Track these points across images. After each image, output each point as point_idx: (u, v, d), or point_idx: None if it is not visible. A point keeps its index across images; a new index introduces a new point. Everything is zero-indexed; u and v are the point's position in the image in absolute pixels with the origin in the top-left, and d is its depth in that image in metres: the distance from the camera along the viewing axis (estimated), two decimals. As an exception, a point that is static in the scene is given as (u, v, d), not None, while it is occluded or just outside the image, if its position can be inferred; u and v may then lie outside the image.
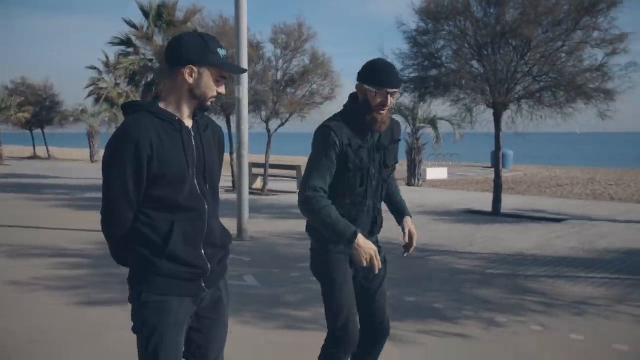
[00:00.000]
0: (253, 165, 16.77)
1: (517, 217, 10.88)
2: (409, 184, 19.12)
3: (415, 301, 5.41)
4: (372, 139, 2.69)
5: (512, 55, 10.56)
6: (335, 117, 2.70)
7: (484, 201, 13.41)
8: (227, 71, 2.14)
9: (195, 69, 2.04)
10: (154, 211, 2.02)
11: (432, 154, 25.24)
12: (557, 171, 26.36)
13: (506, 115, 11.18)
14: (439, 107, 11.42)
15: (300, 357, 4.06)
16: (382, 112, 2.59)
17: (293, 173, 15.75)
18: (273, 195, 14.61)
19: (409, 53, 11.42)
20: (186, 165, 2.03)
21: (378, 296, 2.85)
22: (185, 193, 2.03)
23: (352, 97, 2.72)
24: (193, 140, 2.09)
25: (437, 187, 18.43)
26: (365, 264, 2.52)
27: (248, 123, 8.79)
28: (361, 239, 2.51)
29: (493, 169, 28.00)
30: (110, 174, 2.01)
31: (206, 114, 2.22)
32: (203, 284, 2.10)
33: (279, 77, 14.57)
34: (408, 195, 15.19)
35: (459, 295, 5.62)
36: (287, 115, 14.87)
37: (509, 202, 12.29)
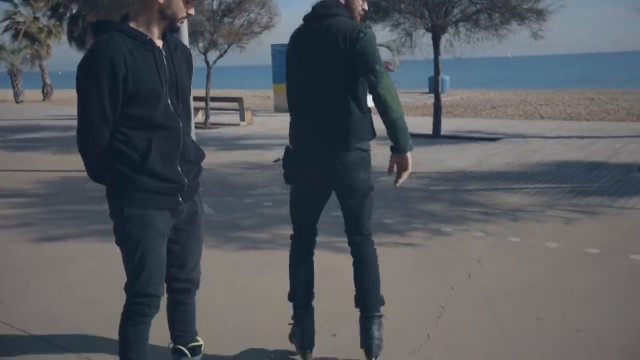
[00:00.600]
0: (194, 98, 16.44)
1: (455, 138, 11.33)
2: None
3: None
4: None
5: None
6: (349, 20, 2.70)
7: (424, 125, 13.79)
8: None
9: None
10: (131, 129, 2.08)
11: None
12: (491, 94, 27.14)
13: (444, 39, 11.39)
14: (379, 32, 11.47)
15: (262, 273, 4.26)
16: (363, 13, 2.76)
17: (235, 105, 15.60)
18: (216, 128, 14.48)
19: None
20: (160, 84, 2.09)
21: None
22: (160, 111, 2.10)
23: (337, 5, 2.71)
24: (165, 60, 2.13)
25: (376, 114, 18.70)
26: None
27: None
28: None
29: (431, 94, 28.33)
30: (86, 92, 2.05)
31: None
32: (180, 198, 2.21)
33: (215, 7, 14.12)
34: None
35: (406, 210, 5.95)
36: (226, 46, 14.55)
37: (448, 125, 12.71)
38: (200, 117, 15.76)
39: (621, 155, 8.75)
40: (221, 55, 14.71)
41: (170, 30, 2.17)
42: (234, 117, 15.78)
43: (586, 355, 2.94)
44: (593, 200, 6.11)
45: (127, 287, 2.20)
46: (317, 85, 2.67)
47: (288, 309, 3.49)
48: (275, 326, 3.39)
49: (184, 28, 8.04)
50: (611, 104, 19.74)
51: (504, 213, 5.70)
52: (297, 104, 2.79)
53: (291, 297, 3.04)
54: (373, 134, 2.84)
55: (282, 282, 4.12)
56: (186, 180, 2.20)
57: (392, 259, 4.48)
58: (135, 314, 2.18)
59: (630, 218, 5.42)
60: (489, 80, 37.04)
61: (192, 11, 2.16)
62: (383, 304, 2.96)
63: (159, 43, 2.15)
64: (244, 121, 14.93)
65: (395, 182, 2.74)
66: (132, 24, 2.11)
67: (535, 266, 4.25)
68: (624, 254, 4.42)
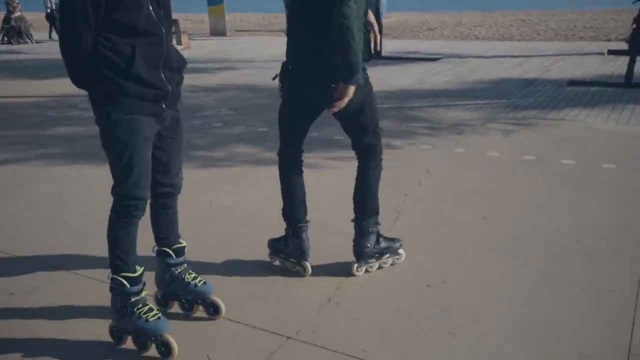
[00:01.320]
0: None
1: (396, 59, 11.48)
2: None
3: (318, 135, 5.82)
4: None
5: None
6: None
7: (364, 46, 13.86)
8: None
9: None
10: (115, 35, 2.08)
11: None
12: (427, 16, 27.25)
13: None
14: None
15: (220, 188, 4.39)
16: None
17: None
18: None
19: None
20: None
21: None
22: (143, 18, 2.10)
23: None
24: None
25: (317, 37, 18.52)
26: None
27: None
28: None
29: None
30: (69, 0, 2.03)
31: None
32: (164, 105, 2.26)
33: None
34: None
35: (355, 127, 6.13)
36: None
37: (387, 46, 12.80)
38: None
39: (552, 72, 9.21)
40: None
41: None
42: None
43: (529, 247, 3.29)
44: (528, 113, 6.50)
45: (115, 191, 2.27)
46: (311, 5, 2.62)
47: (252, 219, 3.67)
48: (241, 235, 3.57)
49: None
50: (541, 25, 20.35)
51: (447, 127, 5.99)
52: (293, 25, 2.77)
53: (286, 213, 3.13)
54: (369, 55, 2.82)
55: (243, 196, 4.29)
56: (170, 87, 2.25)
57: (347, 172, 4.66)
58: (123, 216, 2.27)
59: (561, 128, 5.84)
60: (423, 3, 37.00)
61: None
62: (377, 214, 3.10)
63: None
64: (181, 44, 14.45)
65: (330, 108, 2.74)
66: None
67: (479, 173, 4.58)
68: (557, 160, 4.82)
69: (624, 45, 11.71)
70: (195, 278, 2.59)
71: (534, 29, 18.30)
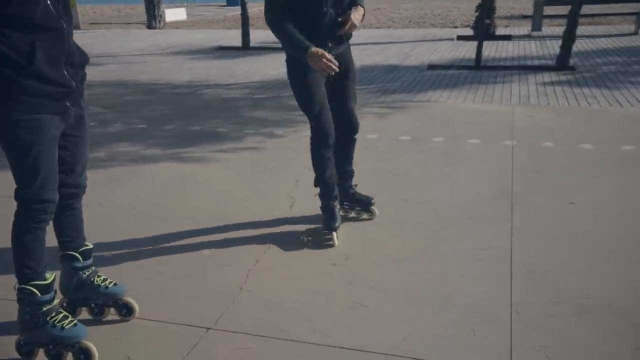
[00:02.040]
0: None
1: (265, 49, 11.58)
2: (149, 26, 18.25)
3: (200, 129, 5.81)
4: None
5: None
6: None
7: (231, 37, 13.79)
8: None
9: None
10: (11, 31, 1.95)
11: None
12: (288, 5, 27.67)
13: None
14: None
15: (107, 188, 4.23)
16: None
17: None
18: None
19: None
20: None
21: (350, 93, 3.32)
22: (40, 12, 1.99)
23: None
24: None
25: (180, 28, 18.05)
26: (324, 69, 2.91)
27: None
28: (313, 51, 2.88)
29: (229, 7, 27.74)
30: None
31: None
32: (68, 103, 2.17)
33: None
34: (155, 37, 14.84)
35: (237, 119, 6.18)
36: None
37: (255, 37, 12.85)
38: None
39: (412, 58, 9.87)
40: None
41: None
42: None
43: (418, 218, 3.60)
44: (397, 97, 6.96)
45: (20, 195, 2.14)
46: None
47: (148, 216, 3.61)
48: (140, 233, 3.50)
49: None
50: (395, 13, 21.56)
51: (326, 114, 6.23)
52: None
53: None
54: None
55: (133, 195, 4.19)
56: (74, 84, 2.16)
57: (236, 164, 4.76)
58: (31, 221, 2.15)
59: (428, 109, 6.34)
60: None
61: None
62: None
63: None
64: None
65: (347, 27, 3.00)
66: None
67: (362, 154, 4.79)
68: (428, 138, 5.25)
69: (469, 31, 12.87)
70: (104, 280, 2.53)
71: (389, 17, 19.35)
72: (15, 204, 2.20)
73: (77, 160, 2.33)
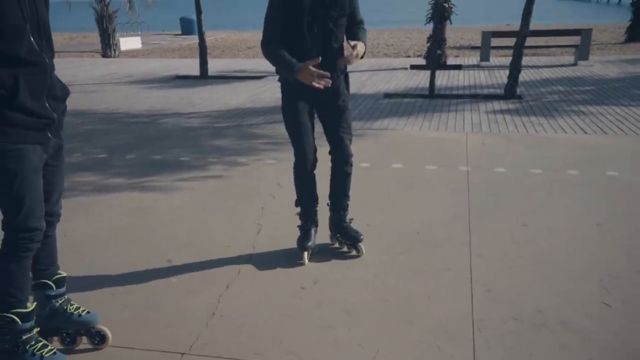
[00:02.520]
0: None
1: (223, 78, 11.71)
2: (104, 55, 18.12)
3: (162, 158, 5.83)
4: None
5: None
6: None
7: (188, 66, 13.86)
8: None
9: None
10: None
11: (127, 22, 23.97)
12: (244, 35, 27.91)
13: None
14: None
15: (72, 218, 4.21)
16: None
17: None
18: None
19: None
20: (22, 19, 2.04)
21: (340, 123, 3.40)
22: (25, 48, 2.05)
23: None
24: None
25: (135, 57, 17.98)
26: (315, 84, 2.99)
27: None
28: (301, 72, 3.02)
29: (185, 36, 27.72)
30: None
31: None
32: (49, 134, 2.22)
33: None
34: (109, 67, 14.76)
35: (199, 147, 6.23)
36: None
37: (212, 66, 12.97)
38: None
39: (368, 87, 10.18)
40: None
41: None
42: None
43: (380, 242, 3.73)
44: (356, 124, 7.16)
45: (7, 225, 2.16)
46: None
47: (113, 245, 3.62)
48: (105, 263, 3.50)
49: None
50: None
51: (287, 142, 6.27)
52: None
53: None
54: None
55: (97, 224, 4.18)
56: (55, 115, 2.22)
57: (200, 192, 4.81)
58: (18, 250, 2.17)
59: (386, 136, 6.56)
60: (235, 22, 37.75)
61: None
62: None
63: None
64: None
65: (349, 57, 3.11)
66: None
67: (323, 181, 4.90)
68: (388, 165, 5.44)
69: (422, 61, 13.35)
70: (77, 308, 2.54)
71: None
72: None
73: (53, 188, 2.37)
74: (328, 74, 3.05)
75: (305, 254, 3.46)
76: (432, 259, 3.47)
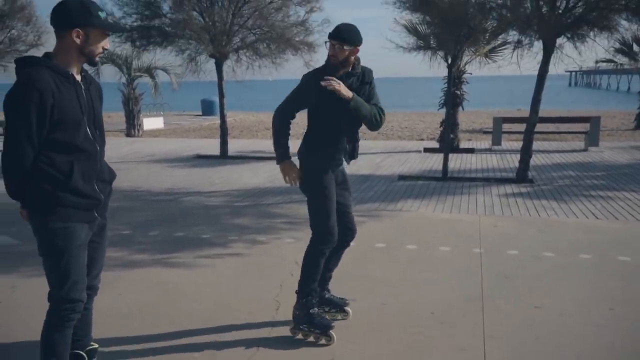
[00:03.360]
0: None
1: (242, 158, 12.12)
2: (128, 134, 18.86)
3: (184, 235, 6.04)
4: (350, 81, 3.45)
5: (229, 7, 11.45)
6: (316, 68, 3.52)
7: (208, 146, 14.36)
8: (110, 31, 2.44)
9: (81, 31, 2.32)
10: (55, 153, 2.28)
11: (150, 103, 25.06)
12: (262, 116, 28.90)
13: (226, 65, 12.14)
14: (165, 57, 11.76)
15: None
16: (331, 56, 3.41)
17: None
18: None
19: (127, 0, 11.36)
20: (80, 113, 2.33)
21: (350, 209, 3.77)
22: (81, 137, 2.33)
23: None
24: (84, 93, 2.38)
25: (157, 137, 18.68)
26: (285, 181, 3.46)
27: None
28: (283, 165, 3.51)
29: (205, 117, 28.75)
30: (15, 120, 2.22)
31: None
32: (96, 213, 2.45)
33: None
34: (133, 145, 15.32)
35: (219, 226, 6.44)
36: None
37: (230, 146, 13.44)
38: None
39: (383, 168, 10.48)
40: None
41: (90, 64, 2.43)
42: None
43: (396, 322, 3.83)
44: (371, 205, 7.38)
45: (52, 296, 2.35)
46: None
47: (138, 319, 3.75)
48: (134, 336, 3.62)
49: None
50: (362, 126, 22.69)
51: (305, 221, 6.49)
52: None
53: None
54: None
55: (123, 299, 4.32)
56: (102, 197, 2.46)
57: (221, 269, 4.97)
58: (61, 320, 2.34)
59: (402, 218, 6.75)
60: (253, 103, 39.12)
61: (107, 45, 2.44)
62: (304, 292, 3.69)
63: (78, 77, 2.39)
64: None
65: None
66: (55, 61, 2.33)
67: (342, 261, 5.12)
68: (403, 246, 5.59)
69: (435, 144, 13.74)
70: (107, 380, 2.67)
71: (359, 129, 20.41)
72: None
73: (94, 264, 2.58)
74: (296, 179, 3.55)
75: (333, 333, 3.55)
76: (447, 338, 3.55)
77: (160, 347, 3.47)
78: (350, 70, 3.48)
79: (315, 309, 3.65)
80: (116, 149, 14.40)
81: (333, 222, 3.54)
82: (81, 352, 2.61)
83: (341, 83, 3.38)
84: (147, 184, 9.20)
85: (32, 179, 2.29)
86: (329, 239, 3.56)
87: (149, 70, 18.68)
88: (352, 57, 3.46)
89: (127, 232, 6.17)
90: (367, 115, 3.51)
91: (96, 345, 2.68)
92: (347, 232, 3.74)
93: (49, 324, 2.38)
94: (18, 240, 5.87)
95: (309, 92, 3.45)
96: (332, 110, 3.43)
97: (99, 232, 2.57)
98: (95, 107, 2.47)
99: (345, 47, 3.38)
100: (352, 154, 3.69)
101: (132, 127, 18.87)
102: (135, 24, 11.33)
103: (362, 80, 3.58)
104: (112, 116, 27.24)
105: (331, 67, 3.44)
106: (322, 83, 3.33)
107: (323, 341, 3.54)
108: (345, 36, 3.39)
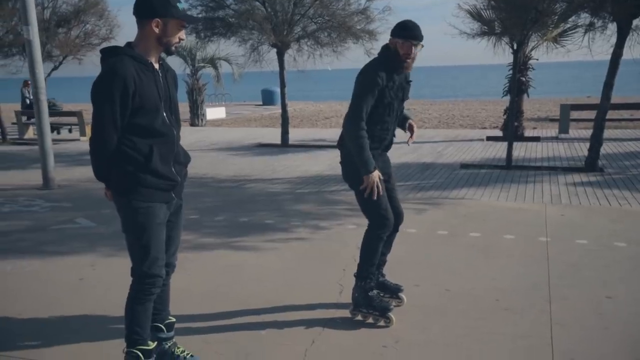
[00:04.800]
0: (23, 112, 15.37)
1: (303, 147, 12.25)
2: (192, 124, 19.42)
3: (248, 220, 6.21)
4: (398, 79, 3.46)
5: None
6: (374, 63, 3.44)
7: (269, 135, 14.61)
8: (187, 22, 2.58)
9: (160, 21, 2.45)
10: (136, 136, 2.44)
11: (213, 94, 25.70)
12: (321, 106, 29.08)
13: (287, 55, 12.27)
14: (228, 47, 12.05)
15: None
16: (408, 59, 3.38)
17: (74, 120, 14.90)
18: (56, 144, 13.71)
19: (194, -8, 11.67)
20: (159, 99, 2.47)
21: (396, 193, 3.81)
22: (159, 121, 2.48)
23: (384, 47, 3.48)
24: (161, 80, 2.52)
25: (220, 126, 19.14)
26: (370, 189, 3.38)
27: (32, 67, 8.01)
28: (372, 174, 3.39)
29: (265, 106, 29.20)
30: (102, 105, 2.39)
31: None
32: (173, 194, 2.59)
33: (47, 16, 13.45)
34: (197, 134, 15.77)
35: (282, 211, 6.58)
36: (61, 58, 13.93)
37: (291, 134, 13.60)
38: (31, 133, 14.80)
39: (445, 157, 10.35)
40: (56, 68, 14.07)
41: (166, 54, 2.57)
42: (74, 133, 15.07)
43: (458, 307, 3.82)
44: (433, 193, 7.32)
45: (134, 271, 2.53)
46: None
47: (210, 298, 3.88)
48: (205, 313, 3.79)
49: (35, 37, 7.82)
50: (424, 114, 22.47)
51: (366, 208, 6.59)
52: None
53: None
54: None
55: (192, 279, 4.46)
56: (179, 178, 2.60)
57: (285, 253, 5.09)
58: (142, 294, 2.51)
59: (464, 206, 6.67)
60: (311, 93, 39.27)
61: (183, 36, 2.57)
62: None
63: (156, 65, 2.54)
64: (85, 136, 14.36)
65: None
66: (136, 49, 2.48)
67: (403, 247, 5.11)
68: (465, 233, 5.54)
69: (498, 132, 13.42)
70: (183, 351, 2.82)
71: (419, 117, 20.19)
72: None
73: (171, 242, 2.72)
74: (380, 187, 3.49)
75: (392, 315, 3.60)
76: (512, 325, 3.52)
77: (227, 324, 3.61)
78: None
79: (374, 292, 3.70)
80: (181, 138, 14.86)
81: (386, 206, 3.57)
82: (160, 325, 2.77)
83: (376, 181, 3.42)
84: (212, 171, 9.48)
85: (116, 161, 2.45)
86: (385, 223, 3.59)
87: (212, 61, 19.15)
88: None
89: (194, 216, 6.41)
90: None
91: (173, 319, 2.84)
92: (397, 218, 3.76)
93: (132, 297, 2.55)
94: (95, 222, 6.20)
95: (376, 89, 3.41)
96: (388, 106, 3.46)
97: (175, 212, 2.71)
98: (172, 93, 2.60)
99: (421, 44, 3.42)
100: (389, 146, 3.73)
101: (195, 116, 19.42)
102: (200, 15, 11.63)
103: (407, 79, 3.62)
104: (185, 105, 28.05)
105: (404, 68, 3.45)
106: (364, 191, 3.42)
107: (382, 323, 3.60)
108: (421, 34, 3.42)
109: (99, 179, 2.54)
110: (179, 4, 2.50)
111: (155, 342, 2.61)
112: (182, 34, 2.56)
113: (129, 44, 2.53)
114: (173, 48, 2.56)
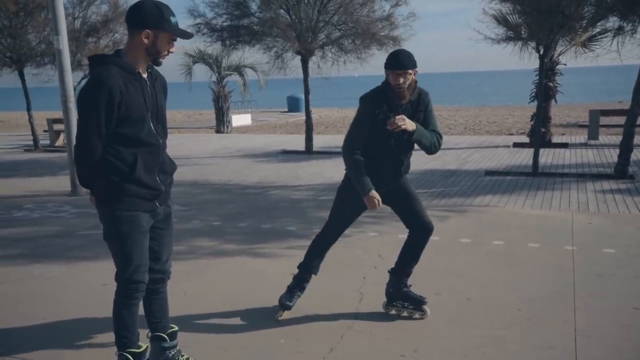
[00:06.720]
0: (54, 121, 15.73)
1: (327, 154, 12.26)
2: (218, 131, 19.61)
3: (271, 227, 6.23)
4: (404, 107, 3.45)
5: (315, 4, 11.61)
6: (370, 91, 3.50)
7: (294, 142, 14.66)
8: (178, 36, 2.59)
9: (151, 33, 2.48)
10: (121, 146, 2.48)
11: (239, 101, 25.93)
12: (346, 112, 29.06)
13: (311, 62, 12.32)
14: (253, 54, 12.15)
15: (190, 279, 4.61)
16: (398, 88, 3.38)
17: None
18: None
19: (218, 1, 11.81)
20: (145, 108, 2.51)
21: (418, 205, 3.79)
22: (145, 131, 2.52)
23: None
24: (149, 89, 2.55)
25: (245, 133, 19.29)
26: (376, 207, 3.49)
27: (62, 76, 8.20)
28: (369, 195, 3.47)
29: (291, 113, 29.37)
30: (87, 114, 2.42)
31: None
32: (157, 203, 2.64)
33: (77, 26, 13.76)
34: (222, 141, 15.91)
35: (304, 218, 6.59)
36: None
37: (316, 141, 13.63)
38: (61, 141, 15.12)
39: (469, 164, 10.24)
40: (86, 76, 14.33)
41: (154, 64, 2.60)
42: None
43: (479, 317, 3.77)
44: (457, 200, 7.25)
45: (118, 277, 2.62)
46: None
47: (228, 305, 3.91)
48: (221, 321, 3.80)
49: (64, 47, 8.00)
50: (450, 120, 22.30)
51: (388, 216, 6.49)
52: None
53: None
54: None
55: (213, 286, 4.51)
56: (163, 188, 2.64)
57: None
58: (127, 299, 2.59)
59: (488, 213, 6.58)
60: (336, 99, 39.29)
61: (173, 49, 2.59)
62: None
63: (144, 74, 2.57)
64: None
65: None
66: (124, 58, 2.50)
67: (424, 254, 5.03)
68: (488, 241, 5.46)
69: (525, 139, 13.22)
70: (187, 359, 2.86)
71: (444, 123, 20.03)
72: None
73: (163, 249, 2.77)
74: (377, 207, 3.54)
75: (284, 312, 3.80)
76: (535, 335, 3.45)
77: (246, 331, 3.62)
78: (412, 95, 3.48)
79: (409, 288, 3.81)
80: (207, 144, 15.02)
81: (339, 227, 3.90)
82: (162, 335, 2.81)
83: (405, 118, 3.34)
84: (236, 178, 9.55)
85: (100, 170, 2.49)
86: (330, 238, 3.95)
87: (238, 69, 19.32)
88: (414, 82, 3.47)
89: (217, 223, 6.46)
90: (427, 144, 3.54)
91: (176, 328, 2.88)
92: (423, 229, 3.83)
93: (118, 302, 2.64)
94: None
95: (368, 118, 3.45)
96: (384, 137, 3.45)
97: (164, 220, 2.75)
98: (159, 101, 2.62)
99: (409, 72, 3.38)
100: (400, 173, 3.70)
101: (221, 123, 19.61)
102: (225, 23, 11.77)
103: (417, 108, 3.53)
104: (204, 113, 28.41)
105: (397, 98, 3.43)
106: (388, 127, 3.33)
107: (417, 316, 3.70)
108: (407, 62, 3.38)
109: (83, 185, 2.59)
110: (172, 18, 2.51)
111: (146, 345, 2.70)
112: (171, 46, 2.57)
113: (118, 51, 2.54)
114: (161, 60, 2.58)
